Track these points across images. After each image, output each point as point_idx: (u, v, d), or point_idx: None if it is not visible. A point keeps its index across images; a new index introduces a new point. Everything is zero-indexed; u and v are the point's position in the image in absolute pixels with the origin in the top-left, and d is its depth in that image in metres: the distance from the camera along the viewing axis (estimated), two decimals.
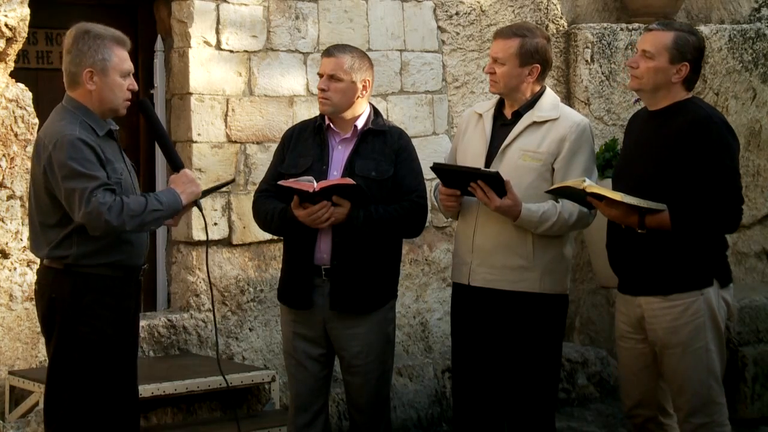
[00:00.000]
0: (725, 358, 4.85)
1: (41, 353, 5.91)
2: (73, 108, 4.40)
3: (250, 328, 6.63)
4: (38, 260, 4.58)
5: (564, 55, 7.73)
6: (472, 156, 4.99)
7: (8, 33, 5.75)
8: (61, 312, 4.33)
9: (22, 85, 5.91)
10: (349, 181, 4.77)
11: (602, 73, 7.69)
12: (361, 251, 4.89)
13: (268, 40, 6.67)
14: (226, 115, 6.53)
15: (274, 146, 5.69)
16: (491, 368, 4.96)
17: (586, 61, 7.65)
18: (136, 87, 4.51)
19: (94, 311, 4.35)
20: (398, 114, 7.06)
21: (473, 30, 7.38)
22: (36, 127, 5.78)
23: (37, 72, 6.33)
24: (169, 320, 6.40)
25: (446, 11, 7.30)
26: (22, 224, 5.81)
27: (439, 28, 7.28)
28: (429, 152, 6.95)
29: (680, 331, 4.70)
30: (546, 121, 4.92)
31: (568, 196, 4.80)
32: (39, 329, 5.11)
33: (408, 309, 7.12)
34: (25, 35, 5.84)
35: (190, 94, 6.43)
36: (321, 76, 4.99)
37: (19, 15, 5.76)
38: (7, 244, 5.84)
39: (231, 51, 6.54)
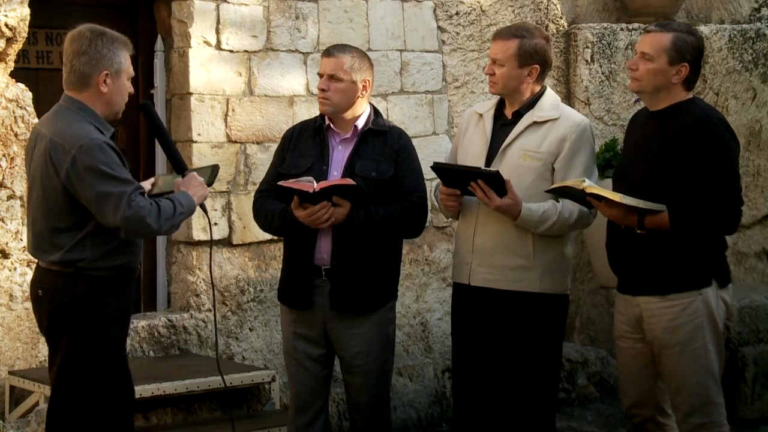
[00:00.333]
0: (724, 358, 4.85)
1: (41, 353, 5.91)
2: (77, 110, 4.38)
3: (250, 328, 6.63)
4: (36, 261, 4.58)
5: (564, 55, 7.73)
6: (473, 156, 4.99)
7: (8, 33, 5.75)
8: (74, 315, 4.33)
9: (22, 85, 5.91)
10: (349, 181, 4.77)
11: (602, 73, 7.69)
12: (361, 251, 4.89)
13: (268, 40, 6.67)
14: (226, 115, 6.54)
15: (274, 146, 5.70)
16: (491, 368, 4.96)
17: (586, 61, 7.65)
18: (133, 91, 4.54)
19: (105, 313, 4.37)
20: (398, 114, 7.06)
21: (473, 30, 7.39)
22: None
23: (37, 72, 6.33)
24: (169, 320, 6.40)
25: (446, 11, 7.30)
26: (22, 224, 5.81)
27: (439, 28, 7.28)
28: (429, 152, 6.95)
29: (678, 331, 4.70)
30: (546, 121, 4.92)
31: (568, 196, 4.80)
32: (38, 329, 5.10)
33: (408, 309, 7.12)
34: (25, 35, 5.84)
35: (190, 94, 6.43)
36: (321, 76, 4.99)
37: (19, 15, 5.76)
38: (7, 244, 5.85)
39: (231, 51, 6.54)
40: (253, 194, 5.18)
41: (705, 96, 7.79)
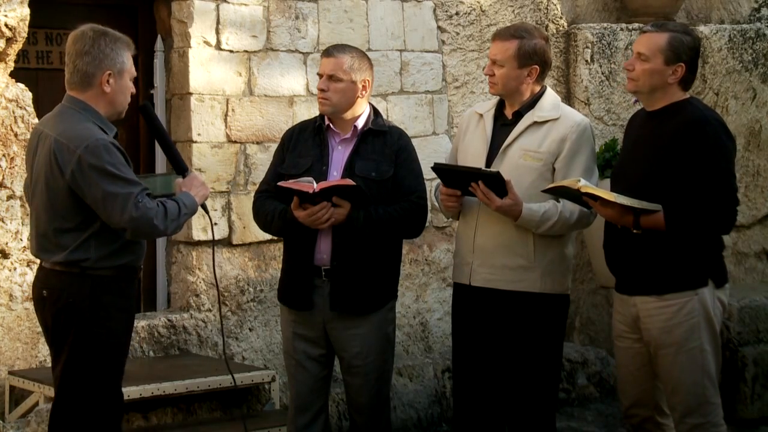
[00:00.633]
0: (721, 358, 4.85)
1: (41, 353, 5.91)
2: (80, 110, 4.38)
3: (250, 328, 6.63)
4: (37, 261, 4.58)
5: (564, 55, 7.73)
6: (473, 156, 4.99)
7: (8, 33, 5.75)
8: (79, 316, 4.33)
9: (22, 85, 5.91)
10: (349, 182, 4.77)
11: (602, 73, 7.69)
12: (361, 252, 4.88)
13: (268, 40, 6.67)
14: (226, 115, 6.54)
15: (274, 146, 5.70)
16: (492, 368, 4.96)
17: (586, 61, 7.65)
18: (135, 91, 4.54)
19: (110, 313, 4.37)
20: (398, 114, 7.06)
21: (473, 30, 7.39)
22: None
23: (37, 72, 6.33)
24: (169, 320, 6.40)
25: (446, 11, 7.30)
26: (22, 224, 5.81)
27: (439, 28, 7.28)
28: (429, 152, 6.95)
29: (674, 331, 4.70)
30: (547, 121, 4.92)
31: (564, 196, 4.81)
32: (38, 329, 5.11)
33: (408, 309, 7.12)
34: (25, 35, 5.84)
35: (190, 94, 6.43)
36: (320, 76, 4.99)
37: (19, 15, 5.76)
38: (7, 244, 5.85)
39: (231, 51, 6.54)
40: (253, 194, 5.18)
41: (705, 96, 7.79)
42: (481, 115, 5.07)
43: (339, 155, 4.98)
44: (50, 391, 5.29)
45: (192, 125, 6.43)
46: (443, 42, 7.29)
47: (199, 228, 6.41)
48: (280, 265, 5.24)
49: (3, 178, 5.83)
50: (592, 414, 7.14)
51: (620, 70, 7.65)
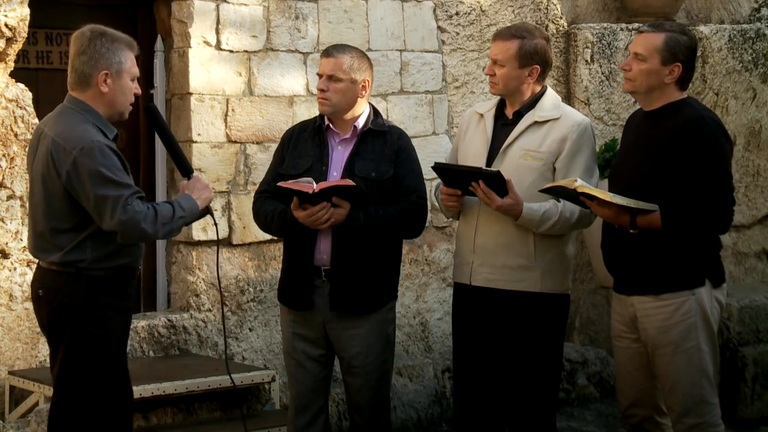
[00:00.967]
0: (719, 358, 4.85)
1: (41, 353, 5.91)
2: (80, 110, 4.37)
3: (250, 328, 6.63)
4: (36, 261, 4.58)
5: (564, 55, 7.73)
6: (473, 156, 4.99)
7: (8, 33, 5.75)
8: (74, 316, 4.33)
9: (22, 85, 5.91)
10: (349, 182, 4.77)
11: (602, 73, 7.69)
12: (361, 252, 4.88)
13: (268, 40, 6.67)
14: (226, 115, 6.53)
15: (274, 146, 5.70)
16: (492, 368, 4.96)
17: (586, 61, 7.65)
18: (140, 91, 4.52)
19: (105, 314, 4.37)
20: (398, 114, 7.06)
21: (473, 30, 7.38)
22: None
23: (37, 72, 6.33)
24: (169, 320, 6.40)
25: (446, 11, 7.29)
26: (22, 224, 5.81)
27: (439, 28, 7.28)
28: (429, 152, 6.95)
29: (671, 331, 4.70)
30: (547, 121, 4.92)
31: (561, 196, 4.81)
32: (38, 329, 5.11)
33: (408, 309, 7.12)
34: (25, 35, 5.84)
35: (190, 94, 6.43)
36: (320, 76, 4.99)
37: (19, 15, 5.76)
38: (7, 244, 5.85)
39: (231, 51, 6.54)
40: (253, 194, 5.18)
41: (705, 96, 7.79)
42: (482, 115, 5.07)
43: (339, 155, 4.98)
44: (50, 391, 5.27)
45: (192, 125, 6.43)
46: (443, 42, 7.29)
47: (199, 228, 6.40)
48: (280, 265, 5.24)
49: (3, 178, 5.83)
50: (592, 414, 7.14)
51: (620, 70, 7.64)
